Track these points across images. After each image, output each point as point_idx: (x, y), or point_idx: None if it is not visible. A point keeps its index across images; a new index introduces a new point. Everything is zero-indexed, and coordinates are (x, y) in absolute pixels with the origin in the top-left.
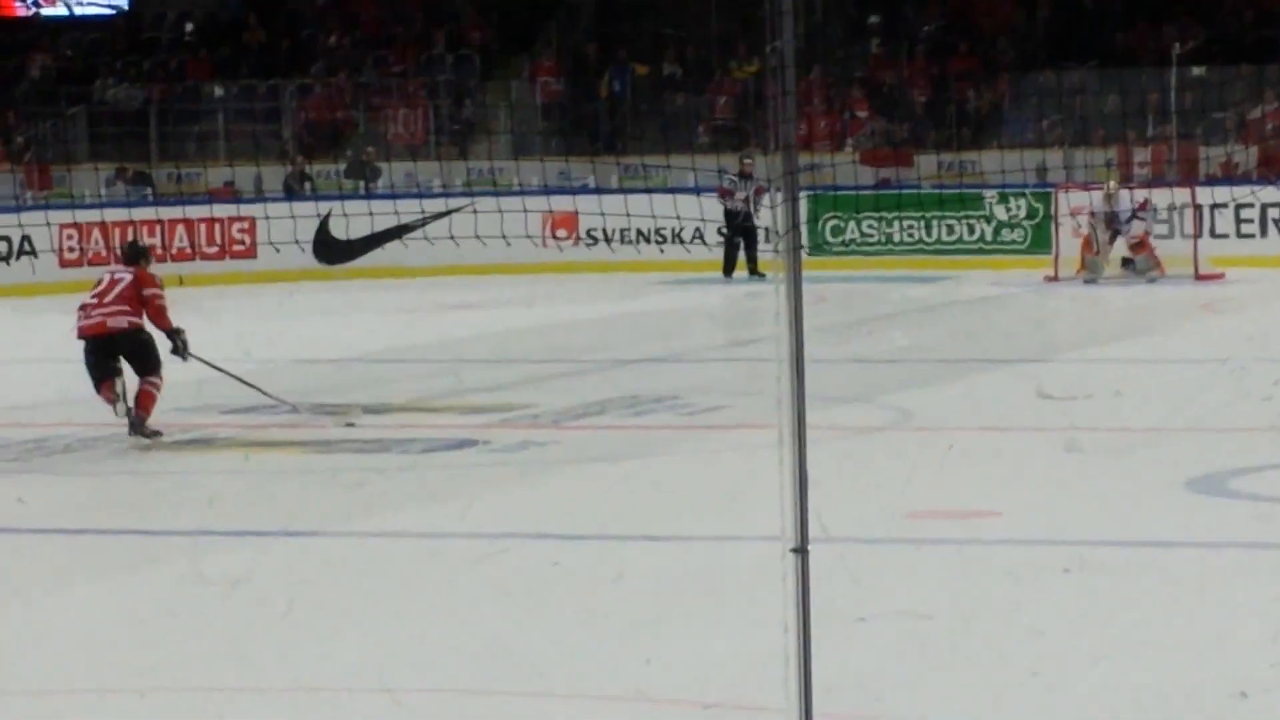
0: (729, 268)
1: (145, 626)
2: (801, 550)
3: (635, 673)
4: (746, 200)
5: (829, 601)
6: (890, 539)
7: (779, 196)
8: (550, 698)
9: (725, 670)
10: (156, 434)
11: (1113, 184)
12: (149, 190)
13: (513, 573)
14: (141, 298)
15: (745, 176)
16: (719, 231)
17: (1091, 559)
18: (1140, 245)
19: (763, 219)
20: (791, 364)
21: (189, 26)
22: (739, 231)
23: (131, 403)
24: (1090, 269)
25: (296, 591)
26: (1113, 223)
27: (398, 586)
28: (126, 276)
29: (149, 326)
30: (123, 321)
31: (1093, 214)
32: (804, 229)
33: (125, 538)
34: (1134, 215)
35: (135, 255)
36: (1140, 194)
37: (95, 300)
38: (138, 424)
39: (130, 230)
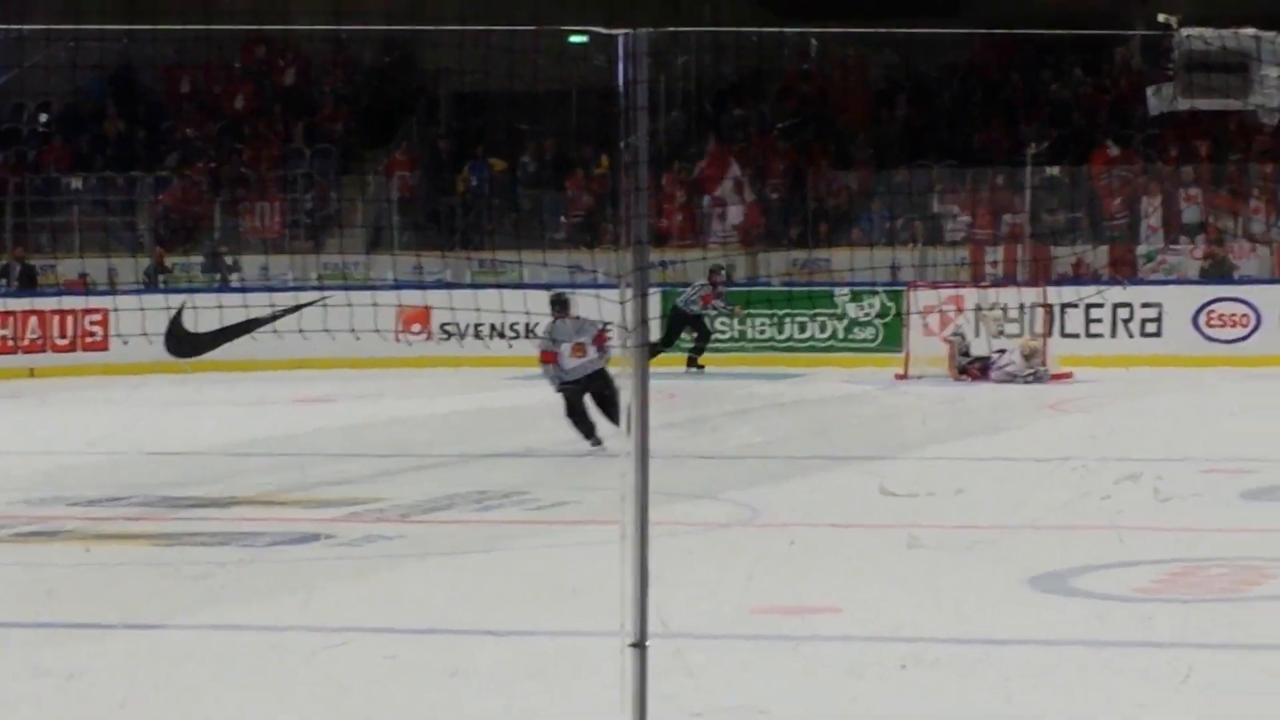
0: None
1: None
2: (640, 645)
3: None
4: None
5: (667, 697)
6: (730, 634)
7: (629, 292)
8: None
9: None
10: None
11: (1030, 342)
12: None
13: (352, 667)
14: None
15: (715, 285)
16: (666, 323)
17: (929, 655)
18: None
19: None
20: (637, 461)
21: (43, 117)
22: (691, 325)
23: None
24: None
25: (134, 685)
26: (986, 367)
27: (238, 680)
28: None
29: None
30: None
31: (959, 336)
32: (660, 323)
33: None
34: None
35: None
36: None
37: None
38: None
39: None
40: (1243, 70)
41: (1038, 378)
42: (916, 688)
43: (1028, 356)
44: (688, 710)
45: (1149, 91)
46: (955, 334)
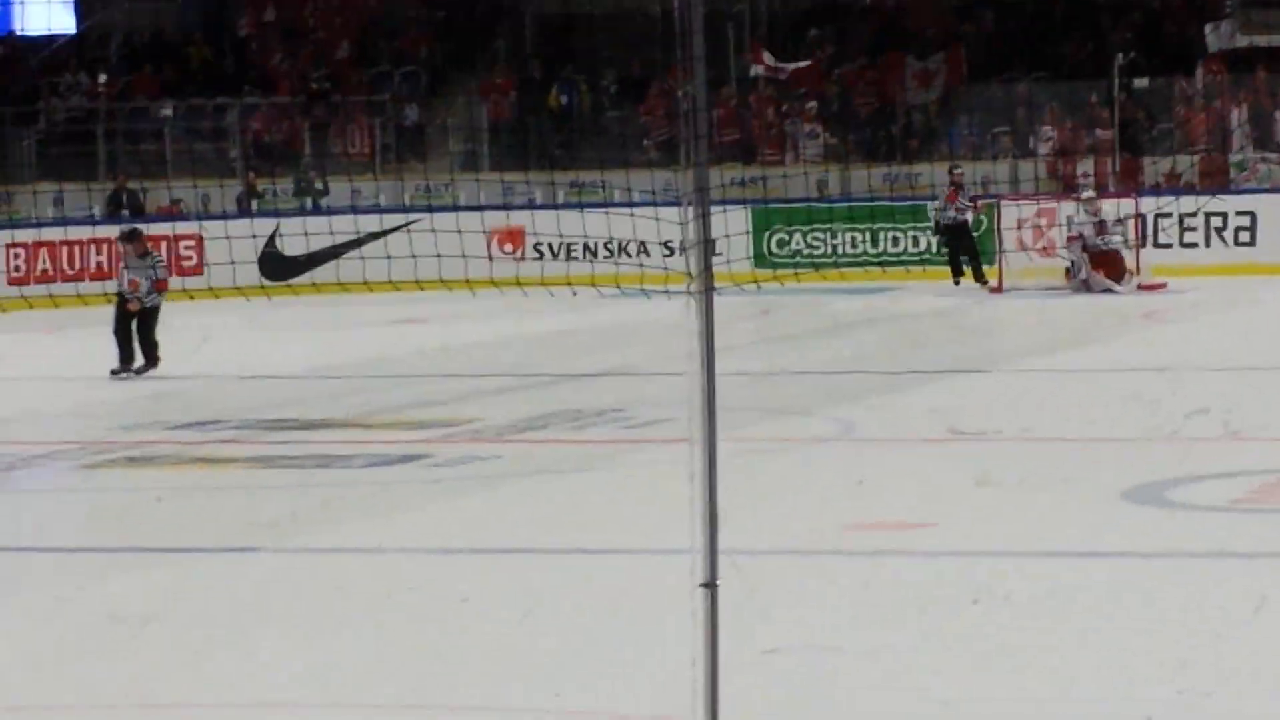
0: (957, 273)
1: (78, 644)
2: (710, 585)
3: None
4: (962, 210)
5: (742, 633)
6: (812, 550)
7: (690, 213)
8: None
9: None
10: None
11: (1090, 192)
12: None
13: (428, 599)
14: None
15: (958, 186)
16: (939, 243)
17: (1026, 570)
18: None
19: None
20: (704, 399)
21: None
22: (956, 240)
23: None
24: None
25: (225, 608)
26: (1102, 231)
27: (333, 602)
28: None
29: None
30: None
31: (1080, 236)
32: (749, 239)
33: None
34: (1118, 222)
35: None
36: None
37: None
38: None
39: (79, 249)
40: None
41: (1106, 244)
42: (990, 621)
43: (1095, 219)
44: (759, 647)
45: (1207, 29)
46: (1075, 235)
